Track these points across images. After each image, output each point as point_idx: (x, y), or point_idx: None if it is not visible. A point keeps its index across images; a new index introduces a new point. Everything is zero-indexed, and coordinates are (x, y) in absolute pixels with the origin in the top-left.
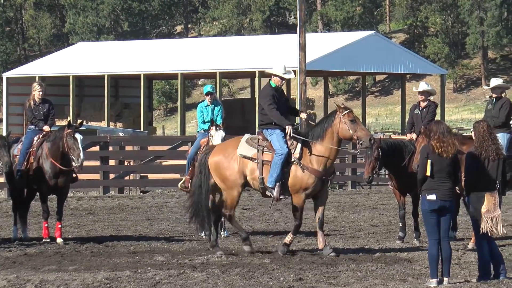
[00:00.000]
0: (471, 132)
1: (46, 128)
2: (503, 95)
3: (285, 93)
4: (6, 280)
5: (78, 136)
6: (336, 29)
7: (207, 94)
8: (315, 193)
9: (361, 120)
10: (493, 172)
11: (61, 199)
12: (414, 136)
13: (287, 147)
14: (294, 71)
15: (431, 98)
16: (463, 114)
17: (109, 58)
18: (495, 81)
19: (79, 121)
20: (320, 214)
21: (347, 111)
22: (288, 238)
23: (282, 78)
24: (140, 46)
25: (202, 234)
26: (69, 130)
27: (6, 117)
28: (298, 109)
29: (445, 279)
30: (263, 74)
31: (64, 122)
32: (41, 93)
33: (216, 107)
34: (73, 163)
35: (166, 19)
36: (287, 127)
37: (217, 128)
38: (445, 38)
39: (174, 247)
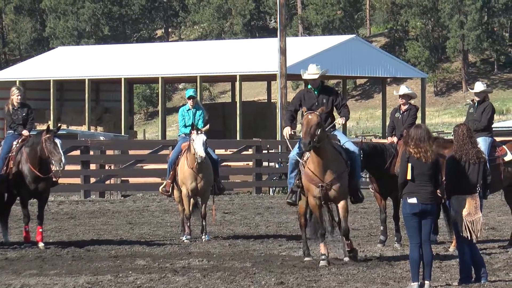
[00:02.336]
0: (451, 135)
1: (25, 132)
2: (485, 99)
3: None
4: None
5: (58, 141)
6: (316, 33)
7: (189, 98)
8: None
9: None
10: (474, 175)
11: (41, 203)
12: (395, 139)
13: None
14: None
15: (412, 101)
16: (444, 117)
17: (89, 62)
18: (480, 86)
19: (58, 125)
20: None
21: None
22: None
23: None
24: (120, 50)
25: (184, 238)
26: (48, 135)
27: None
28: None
29: (426, 282)
30: (243, 78)
31: (45, 127)
32: (19, 97)
33: (197, 111)
34: (54, 168)
35: (146, 23)
36: (284, 129)
37: (198, 132)
38: (426, 42)
39: (156, 251)
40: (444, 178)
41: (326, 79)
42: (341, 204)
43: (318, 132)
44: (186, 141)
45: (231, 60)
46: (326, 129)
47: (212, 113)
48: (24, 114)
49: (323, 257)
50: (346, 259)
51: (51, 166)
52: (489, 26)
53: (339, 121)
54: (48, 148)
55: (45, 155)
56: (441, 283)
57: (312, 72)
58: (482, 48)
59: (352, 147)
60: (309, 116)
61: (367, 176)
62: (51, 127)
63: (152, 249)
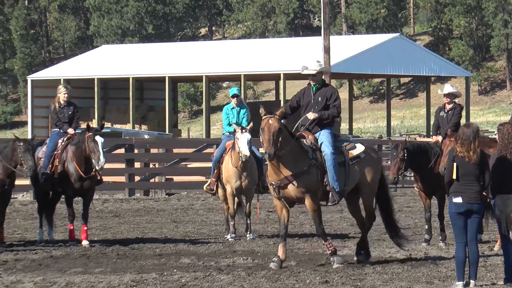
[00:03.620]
0: (495, 134)
1: (70, 131)
2: None
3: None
4: (33, 283)
5: (99, 139)
6: (360, 31)
7: (233, 96)
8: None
9: (386, 123)
10: None
11: (86, 202)
12: (439, 138)
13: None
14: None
15: (457, 100)
16: (488, 116)
17: (133, 60)
18: None
19: (102, 123)
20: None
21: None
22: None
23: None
24: (164, 48)
25: (228, 236)
26: (89, 134)
27: (31, 120)
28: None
29: (472, 281)
30: (287, 76)
31: (90, 125)
32: (66, 95)
33: (242, 110)
34: (94, 167)
35: (190, 21)
36: None
37: (243, 130)
38: (470, 40)
39: (200, 249)
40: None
41: (370, 78)
42: (306, 204)
43: (281, 138)
44: (230, 140)
45: (275, 58)
46: (299, 126)
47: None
48: (70, 112)
49: (275, 258)
50: (335, 265)
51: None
52: None
53: (309, 115)
54: (89, 146)
55: (88, 153)
56: (486, 282)
57: (311, 68)
58: None
59: (324, 148)
60: (270, 121)
61: (412, 175)
62: (94, 126)
63: (196, 248)
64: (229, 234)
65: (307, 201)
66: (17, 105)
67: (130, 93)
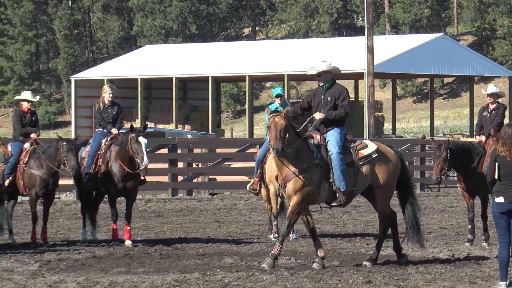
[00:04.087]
0: None
1: (114, 130)
2: None
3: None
4: (76, 282)
5: (142, 140)
6: (404, 31)
7: (277, 96)
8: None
9: (429, 122)
10: None
11: (129, 202)
12: (483, 138)
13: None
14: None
15: (500, 100)
16: None
17: (177, 60)
18: None
19: (145, 123)
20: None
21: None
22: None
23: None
24: (208, 48)
25: (271, 236)
26: (133, 135)
27: (74, 120)
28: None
29: None
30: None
31: (133, 125)
32: (111, 95)
33: None
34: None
35: (233, 21)
36: None
37: None
38: None
39: (243, 249)
40: None
41: (414, 78)
42: (290, 202)
43: (288, 136)
44: None
45: (318, 58)
46: (306, 126)
47: None
48: (114, 112)
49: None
50: (264, 265)
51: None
52: None
53: (316, 115)
54: (133, 147)
55: (131, 154)
56: None
57: (318, 69)
58: None
59: (331, 148)
60: (276, 119)
61: (455, 175)
62: (137, 126)
63: (239, 247)
64: (272, 234)
65: (294, 201)
66: (60, 105)
67: (174, 93)
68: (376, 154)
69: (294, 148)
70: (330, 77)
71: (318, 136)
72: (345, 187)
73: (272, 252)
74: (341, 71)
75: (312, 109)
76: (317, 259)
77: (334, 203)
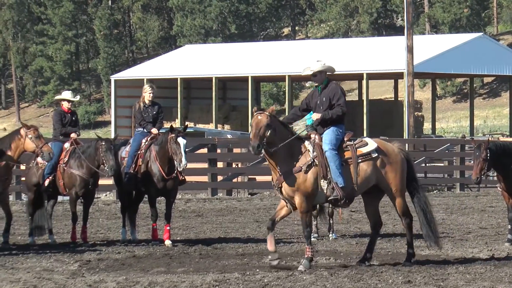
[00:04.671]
0: None
1: (154, 130)
2: None
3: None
4: (116, 282)
5: (181, 141)
6: (443, 31)
7: None
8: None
9: (469, 122)
10: None
11: (169, 202)
12: None
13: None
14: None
15: None
16: None
17: (216, 60)
18: None
19: (185, 124)
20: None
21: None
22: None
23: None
24: (247, 48)
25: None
26: (172, 135)
27: (114, 120)
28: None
29: None
30: (370, 76)
31: (173, 125)
32: (151, 95)
33: None
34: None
35: (273, 21)
36: None
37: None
38: None
39: (283, 249)
40: None
41: (454, 77)
42: (296, 203)
43: (268, 134)
44: None
45: (358, 58)
46: (299, 126)
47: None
48: (154, 112)
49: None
50: (301, 267)
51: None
52: None
53: (313, 116)
54: (172, 148)
55: (170, 154)
56: None
57: (312, 69)
58: None
59: (324, 146)
60: (258, 117)
61: (495, 174)
62: (176, 126)
63: (279, 247)
64: (312, 234)
65: (297, 201)
66: (100, 105)
67: (213, 93)
68: (376, 153)
69: (286, 148)
70: (325, 77)
71: (316, 136)
72: (343, 183)
73: (305, 256)
74: (381, 71)
75: (312, 110)
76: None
77: (332, 197)
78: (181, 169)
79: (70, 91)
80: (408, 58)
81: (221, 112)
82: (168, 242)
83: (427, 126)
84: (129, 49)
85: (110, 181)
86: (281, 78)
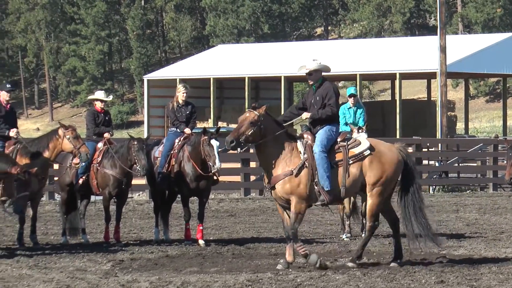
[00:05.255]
0: None
1: (187, 130)
2: None
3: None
4: (148, 282)
5: (214, 143)
6: (476, 31)
7: (350, 96)
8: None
9: (502, 122)
10: None
11: (202, 201)
12: None
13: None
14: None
15: None
16: None
17: (249, 60)
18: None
19: (219, 124)
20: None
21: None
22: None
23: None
24: (280, 48)
25: (344, 236)
26: (205, 137)
27: (147, 120)
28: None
29: None
30: (403, 76)
31: (204, 124)
32: (185, 94)
33: (358, 109)
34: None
35: (306, 21)
36: None
37: (359, 130)
38: None
39: (315, 249)
40: None
41: (487, 77)
42: (291, 205)
43: (250, 132)
44: None
45: (391, 58)
46: (295, 123)
47: (371, 111)
48: (187, 112)
49: (281, 260)
50: (279, 267)
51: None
52: None
53: (303, 115)
54: (205, 150)
55: (203, 156)
56: None
57: (308, 68)
58: None
59: (314, 147)
60: (246, 114)
61: None
62: (209, 126)
63: (312, 247)
64: (345, 234)
65: (292, 203)
66: (133, 104)
67: (246, 93)
68: (369, 152)
69: (279, 148)
70: (320, 76)
71: (309, 136)
72: (329, 186)
73: (302, 254)
74: (414, 71)
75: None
76: (282, 260)
77: (318, 202)
78: (214, 170)
79: (103, 91)
80: (441, 58)
81: None
82: (201, 242)
83: (460, 126)
84: (162, 49)
85: (143, 181)
86: None
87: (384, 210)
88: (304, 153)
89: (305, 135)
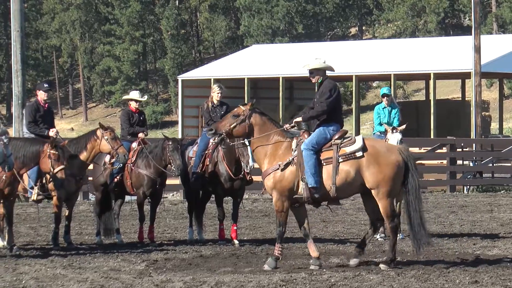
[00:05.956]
0: None
1: None
2: None
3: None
4: (182, 282)
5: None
6: (511, 30)
7: (383, 96)
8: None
9: None
10: None
11: (236, 201)
12: None
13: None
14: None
15: None
16: None
17: (283, 60)
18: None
19: None
20: None
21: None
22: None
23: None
24: (314, 48)
25: (378, 237)
26: None
27: (181, 120)
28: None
29: None
30: (437, 76)
31: None
32: (219, 94)
33: (393, 109)
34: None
35: (340, 21)
36: None
37: (394, 130)
38: None
39: (350, 249)
40: None
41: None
42: (273, 201)
43: (231, 125)
44: (381, 139)
45: (425, 58)
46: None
47: (406, 111)
48: (222, 112)
49: (311, 260)
50: (266, 266)
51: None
52: None
53: (297, 119)
54: (239, 149)
55: (237, 155)
56: None
57: (310, 66)
58: None
59: (303, 145)
60: (235, 109)
61: None
62: None
63: (346, 247)
64: (379, 234)
65: (274, 199)
66: (167, 105)
67: (280, 93)
68: (361, 153)
69: (275, 147)
70: (322, 74)
71: (305, 135)
72: (315, 183)
73: (273, 254)
74: (448, 71)
75: None
76: (312, 260)
77: (298, 196)
78: (248, 170)
79: (138, 91)
80: (476, 58)
81: (288, 111)
82: (235, 242)
83: (494, 126)
84: (196, 49)
85: (177, 181)
86: (348, 78)
87: (369, 210)
88: (295, 151)
89: (302, 135)
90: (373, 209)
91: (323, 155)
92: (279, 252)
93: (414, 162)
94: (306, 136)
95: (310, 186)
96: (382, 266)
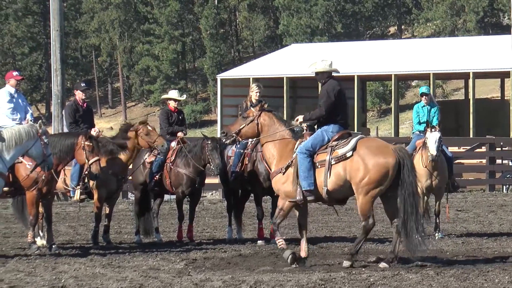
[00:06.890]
0: None
1: None
2: None
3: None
4: (222, 281)
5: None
6: None
7: (422, 95)
8: None
9: None
10: None
11: (275, 200)
12: None
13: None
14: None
15: None
16: None
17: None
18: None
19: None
20: None
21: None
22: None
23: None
24: (353, 47)
25: (437, 234)
26: None
27: (220, 119)
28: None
29: None
30: (477, 75)
31: None
32: (258, 94)
33: (432, 108)
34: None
35: (379, 20)
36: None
37: (433, 129)
38: None
39: (388, 249)
40: None
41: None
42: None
43: (241, 126)
44: (420, 139)
45: (464, 57)
46: (296, 126)
47: (445, 110)
48: None
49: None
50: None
51: None
52: None
53: (297, 118)
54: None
55: None
56: None
57: (315, 68)
58: None
59: (298, 148)
60: (252, 109)
61: None
62: None
63: (385, 247)
64: (437, 232)
65: (279, 199)
66: (206, 104)
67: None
68: (351, 153)
69: (283, 147)
70: (326, 76)
71: (306, 137)
72: (307, 186)
73: (280, 247)
74: (487, 70)
75: None
76: (344, 261)
77: (293, 199)
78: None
79: (177, 90)
80: None
81: None
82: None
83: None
84: (235, 48)
85: (216, 180)
86: (387, 77)
87: (389, 212)
88: (295, 153)
89: (305, 136)
90: (393, 213)
91: (318, 158)
92: (281, 244)
93: (411, 161)
94: (307, 138)
95: (303, 189)
96: (345, 262)
